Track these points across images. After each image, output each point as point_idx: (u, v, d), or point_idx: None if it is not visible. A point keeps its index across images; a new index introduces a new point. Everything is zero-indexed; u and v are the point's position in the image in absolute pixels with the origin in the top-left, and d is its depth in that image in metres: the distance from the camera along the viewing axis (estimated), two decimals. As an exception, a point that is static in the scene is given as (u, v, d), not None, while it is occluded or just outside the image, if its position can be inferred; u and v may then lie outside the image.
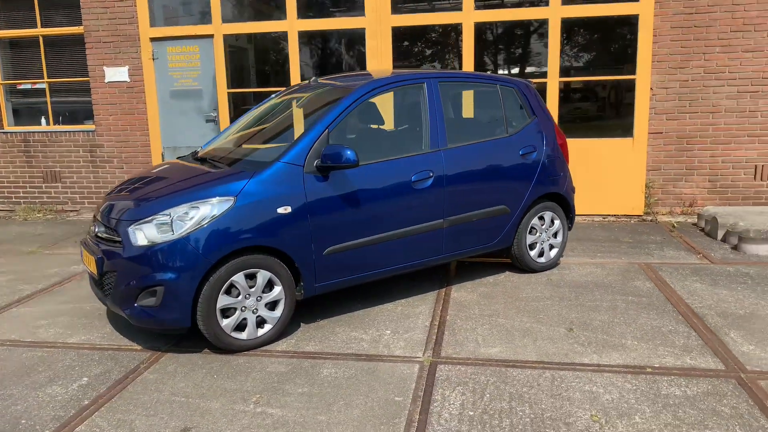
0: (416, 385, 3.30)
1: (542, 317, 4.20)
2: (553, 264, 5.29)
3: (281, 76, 7.80)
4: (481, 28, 7.27)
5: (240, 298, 3.76)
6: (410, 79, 4.58)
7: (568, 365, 3.48)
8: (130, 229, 3.69)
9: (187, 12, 7.84)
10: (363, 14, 7.34)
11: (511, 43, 7.52)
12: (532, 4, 7.13)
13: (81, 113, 8.53)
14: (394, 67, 7.44)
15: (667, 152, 7.17)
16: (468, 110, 5.19)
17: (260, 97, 8.00)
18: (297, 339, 3.97)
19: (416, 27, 7.38)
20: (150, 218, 3.68)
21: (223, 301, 3.71)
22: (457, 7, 7.19)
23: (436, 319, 4.24)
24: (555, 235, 5.26)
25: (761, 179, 7.06)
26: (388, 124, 5.05)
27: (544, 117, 5.20)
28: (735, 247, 5.78)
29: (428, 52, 7.74)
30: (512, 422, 2.91)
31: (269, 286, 3.86)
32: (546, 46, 7.10)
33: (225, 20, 7.63)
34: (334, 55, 7.90)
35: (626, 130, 7.20)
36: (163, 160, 8.07)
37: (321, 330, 4.11)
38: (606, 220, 7.25)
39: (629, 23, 7.04)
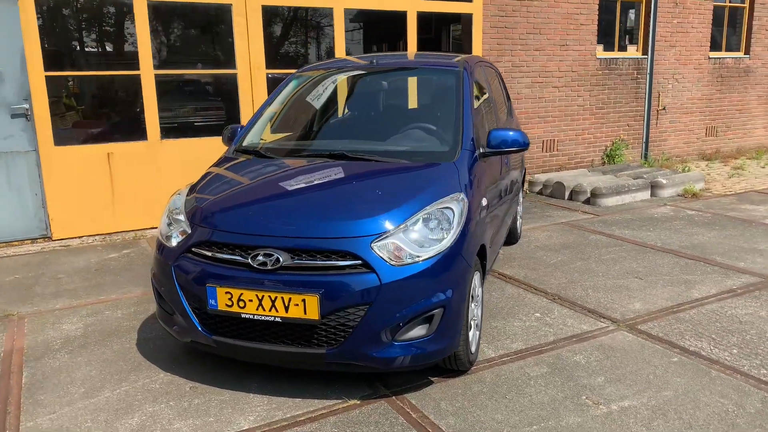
0: (659, 347, 3.58)
1: (603, 274, 4.83)
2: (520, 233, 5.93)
3: (127, 56, 6.11)
4: (350, 14, 7.16)
5: (473, 306, 3.29)
6: (481, 61, 4.52)
7: (696, 301, 4.25)
8: (381, 245, 2.82)
9: (-33, -43, 5.37)
10: (229, -12, 6.36)
11: (385, 31, 7.62)
12: (395, -4, 7.40)
13: None
14: (268, 49, 6.69)
15: (490, 133, 8.45)
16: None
17: (97, 82, 6.14)
18: (484, 343, 3.66)
19: (288, 8, 6.79)
20: (398, 228, 2.89)
21: (470, 313, 3.20)
22: (329, -9, 6.92)
23: (545, 295, 4.43)
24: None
25: (546, 151, 9.02)
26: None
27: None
28: (587, 202, 7.41)
29: (299, 33, 7.18)
30: (766, 344, 3.54)
31: None
32: (405, 34, 7.47)
33: (38, -24, 5.53)
34: (195, 32, 6.58)
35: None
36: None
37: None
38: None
39: (464, 21, 8.00)
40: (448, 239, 2.96)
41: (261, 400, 3.06)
